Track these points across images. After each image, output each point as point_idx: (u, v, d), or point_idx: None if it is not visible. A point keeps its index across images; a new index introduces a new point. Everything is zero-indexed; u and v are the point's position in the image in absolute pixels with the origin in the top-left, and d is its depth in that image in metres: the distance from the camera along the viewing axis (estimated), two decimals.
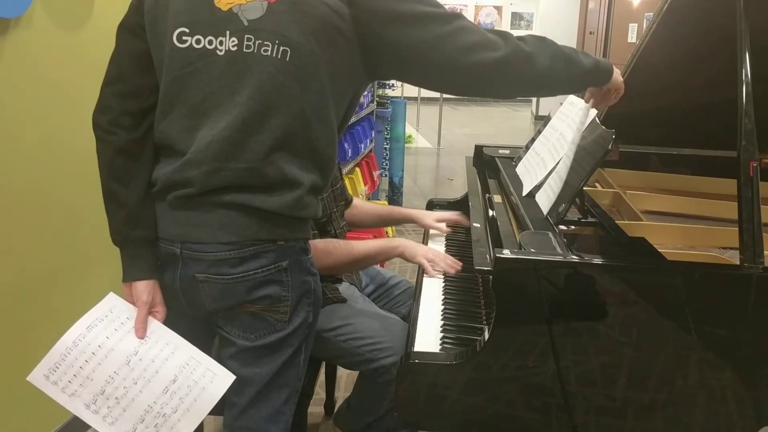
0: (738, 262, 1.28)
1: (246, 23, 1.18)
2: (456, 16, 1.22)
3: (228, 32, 1.18)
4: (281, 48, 1.17)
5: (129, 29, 1.26)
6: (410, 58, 1.22)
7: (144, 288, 1.27)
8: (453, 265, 1.76)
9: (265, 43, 1.17)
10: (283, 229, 1.25)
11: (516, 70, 1.25)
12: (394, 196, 5.16)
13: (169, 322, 1.31)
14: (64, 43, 1.99)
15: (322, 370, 2.29)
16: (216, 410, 1.60)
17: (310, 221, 1.31)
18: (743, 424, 1.32)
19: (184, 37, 1.20)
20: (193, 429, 1.25)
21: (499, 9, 13.93)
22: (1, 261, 1.83)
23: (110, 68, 1.28)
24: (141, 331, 1.26)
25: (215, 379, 1.27)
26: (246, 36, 1.18)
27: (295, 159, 1.23)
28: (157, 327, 1.28)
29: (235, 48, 1.18)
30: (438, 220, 2.05)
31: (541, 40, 1.29)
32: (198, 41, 1.19)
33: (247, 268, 1.24)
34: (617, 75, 1.46)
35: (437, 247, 1.98)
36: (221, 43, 1.19)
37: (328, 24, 1.18)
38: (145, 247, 1.27)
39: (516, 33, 1.26)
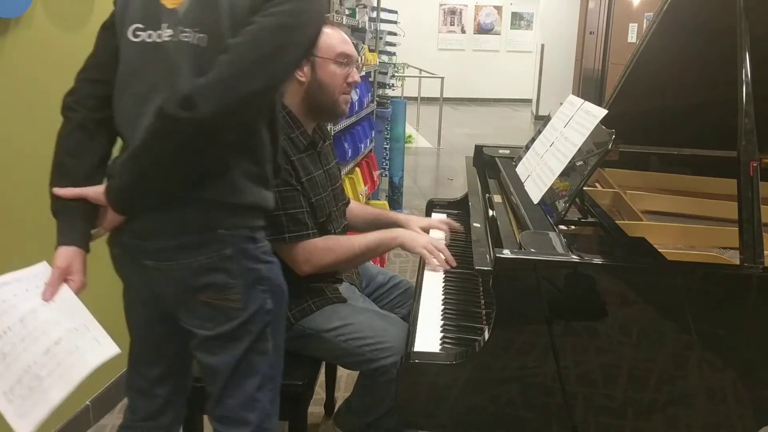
0: (738, 262, 1.28)
1: (180, 15, 1.28)
2: None
3: (166, 25, 1.28)
4: (198, 35, 1.26)
5: (107, 28, 1.39)
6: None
7: (63, 253, 1.29)
8: (451, 261, 1.76)
9: (186, 30, 1.27)
10: (221, 217, 1.29)
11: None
12: (394, 196, 5.16)
13: (137, 313, 1.43)
14: (64, 43, 1.99)
15: (322, 370, 2.29)
16: None
17: (256, 211, 1.34)
18: (743, 424, 1.32)
19: (138, 32, 1.30)
20: (63, 396, 1.20)
21: (499, 9, 13.92)
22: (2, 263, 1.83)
23: (87, 60, 1.39)
24: (48, 294, 1.27)
25: (97, 348, 1.25)
26: (178, 27, 1.28)
27: (222, 144, 1.26)
28: (66, 294, 1.28)
29: (169, 38, 1.28)
30: (423, 228, 1.99)
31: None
32: (150, 36, 1.29)
33: (189, 256, 1.29)
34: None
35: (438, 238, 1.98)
36: (159, 36, 1.29)
37: (239, 8, 1.25)
38: (80, 218, 1.31)
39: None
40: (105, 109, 1.34)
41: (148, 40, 1.29)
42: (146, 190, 1.26)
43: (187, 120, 1.17)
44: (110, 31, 1.37)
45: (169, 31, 1.28)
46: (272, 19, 1.22)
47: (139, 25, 1.30)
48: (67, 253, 1.29)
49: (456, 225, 2.04)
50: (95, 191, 1.30)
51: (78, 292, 1.30)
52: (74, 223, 1.31)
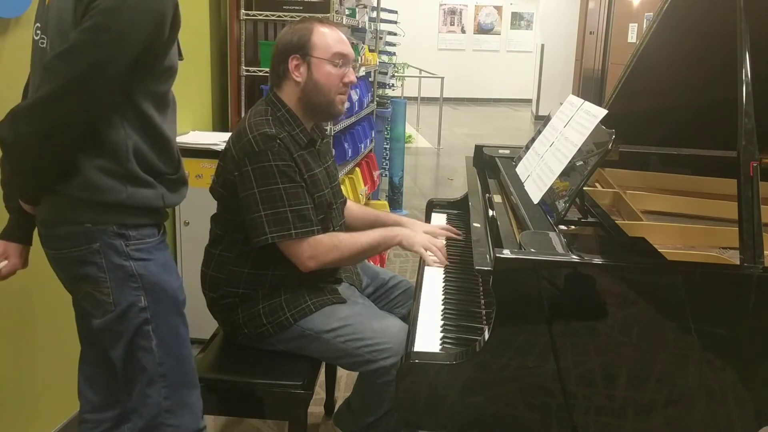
0: (738, 262, 1.28)
1: (47, 15, 1.31)
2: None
3: (39, 25, 1.35)
4: (47, 40, 1.31)
5: None
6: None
7: (1, 244, 1.47)
8: (445, 260, 1.77)
9: (42, 36, 1.32)
10: (86, 212, 1.33)
11: None
12: (394, 196, 5.16)
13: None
14: None
15: (322, 370, 2.29)
16: (214, 411, 1.60)
17: (125, 209, 1.35)
18: (743, 424, 1.32)
19: (37, 32, 1.36)
20: None
21: (499, 9, 13.92)
22: None
23: None
24: None
25: None
26: (43, 29, 1.33)
27: (75, 142, 1.28)
28: None
29: (38, 39, 1.35)
30: (426, 232, 1.92)
31: None
32: (36, 33, 1.36)
33: (62, 246, 1.36)
34: None
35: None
36: (36, 35, 1.36)
37: (65, 20, 1.26)
38: (24, 217, 1.44)
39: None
40: None
41: (35, 38, 1.35)
42: (15, 186, 1.36)
43: (3, 140, 1.22)
44: None
45: (39, 33, 1.32)
46: (84, 36, 1.19)
47: (38, 24, 1.35)
48: (2, 243, 1.46)
49: (456, 234, 1.99)
50: None
51: (10, 272, 1.47)
52: (19, 220, 1.45)
